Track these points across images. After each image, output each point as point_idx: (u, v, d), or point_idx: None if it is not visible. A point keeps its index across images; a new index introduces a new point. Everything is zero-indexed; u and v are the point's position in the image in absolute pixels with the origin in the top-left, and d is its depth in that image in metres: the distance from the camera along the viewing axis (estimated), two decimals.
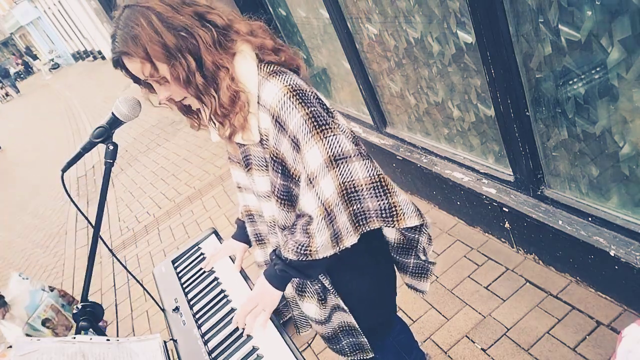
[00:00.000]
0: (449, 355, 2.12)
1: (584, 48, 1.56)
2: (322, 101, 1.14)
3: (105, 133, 1.23)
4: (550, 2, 1.56)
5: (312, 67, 3.86)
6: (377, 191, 1.13)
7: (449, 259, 2.58)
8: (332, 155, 1.09)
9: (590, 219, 1.91)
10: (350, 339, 1.40)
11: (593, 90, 1.63)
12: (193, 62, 1.06)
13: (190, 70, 1.07)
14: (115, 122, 1.24)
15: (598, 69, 1.56)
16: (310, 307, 1.37)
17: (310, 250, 1.15)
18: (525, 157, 2.02)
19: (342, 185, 1.10)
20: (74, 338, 1.13)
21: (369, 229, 1.17)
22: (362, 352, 1.42)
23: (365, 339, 1.38)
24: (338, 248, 1.15)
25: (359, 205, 1.14)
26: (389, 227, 1.18)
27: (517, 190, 2.22)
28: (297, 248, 1.16)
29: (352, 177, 1.11)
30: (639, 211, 1.76)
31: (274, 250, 1.29)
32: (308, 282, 1.34)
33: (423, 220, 1.23)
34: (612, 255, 1.79)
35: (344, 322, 1.37)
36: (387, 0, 2.37)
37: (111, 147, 1.25)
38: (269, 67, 1.13)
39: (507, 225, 2.36)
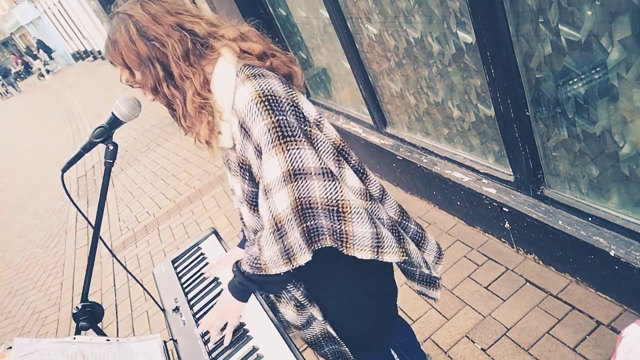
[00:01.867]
0: (449, 355, 2.12)
1: (584, 48, 1.56)
2: (297, 110, 1.10)
3: (105, 133, 1.23)
4: (550, 2, 1.56)
5: (312, 67, 3.86)
6: (331, 214, 1.10)
7: (449, 259, 2.58)
8: (292, 169, 1.05)
9: (590, 219, 1.91)
10: (333, 346, 1.39)
11: (593, 90, 1.63)
12: (161, 72, 1.09)
13: (158, 79, 1.10)
14: (115, 122, 1.24)
15: (598, 69, 1.56)
16: (287, 312, 1.37)
17: (260, 264, 1.14)
18: (525, 157, 2.02)
19: (297, 200, 1.07)
20: (74, 338, 1.13)
21: (321, 246, 1.14)
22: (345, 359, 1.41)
23: (347, 349, 1.36)
24: (291, 265, 1.13)
25: (312, 222, 1.10)
26: (339, 249, 1.14)
27: (517, 190, 2.22)
28: (251, 260, 1.17)
29: (308, 194, 1.07)
30: (639, 211, 1.76)
31: (236, 262, 1.28)
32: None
33: (377, 256, 1.16)
34: (612, 255, 1.79)
35: (324, 329, 1.35)
36: (387, 0, 2.37)
37: (111, 147, 1.26)
38: (249, 69, 1.11)
39: (507, 225, 2.36)
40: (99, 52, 21.96)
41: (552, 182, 2.05)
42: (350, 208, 1.10)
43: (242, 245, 1.58)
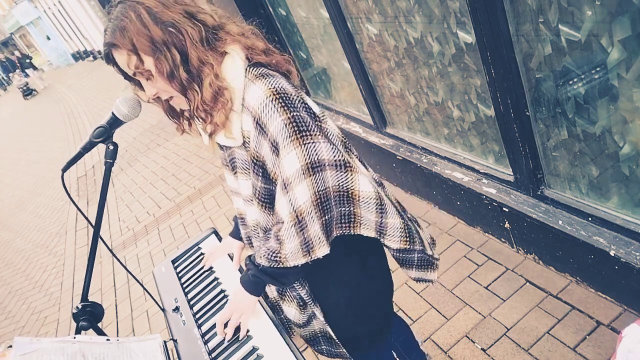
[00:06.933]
0: (449, 355, 2.12)
1: (584, 48, 1.56)
2: (307, 106, 1.13)
3: (105, 133, 1.23)
4: (550, 2, 1.56)
5: (312, 67, 3.86)
6: (342, 200, 1.16)
7: (449, 259, 2.58)
8: (310, 163, 1.09)
9: (590, 219, 1.91)
10: (329, 347, 1.41)
11: (593, 90, 1.63)
12: (178, 56, 1.08)
13: (174, 64, 1.08)
14: (115, 122, 1.24)
15: (598, 69, 1.56)
16: (290, 311, 1.38)
17: (280, 257, 1.16)
18: (525, 157, 2.02)
19: (316, 194, 1.11)
20: (74, 338, 1.13)
21: (333, 238, 1.19)
22: (341, 358, 1.42)
23: (344, 350, 1.38)
24: (310, 257, 1.16)
25: (329, 215, 1.15)
26: (345, 233, 1.20)
27: (517, 190, 2.22)
28: (269, 254, 1.18)
29: (325, 185, 1.12)
30: (639, 211, 1.76)
31: (249, 256, 1.30)
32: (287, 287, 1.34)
33: (378, 236, 1.26)
34: (612, 255, 1.79)
35: (323, 329, 1.37)
36: (387, 0, 2.37)
37: (111, 147, 1.25)
38: (257, 69, 1.13)
39: (507, 225, 2.36)
40: (99, 52, 21.94)
41: (552, 182, 2.05)
42: (360, 195, 1.17)
43: (233, 234, 1.59)
